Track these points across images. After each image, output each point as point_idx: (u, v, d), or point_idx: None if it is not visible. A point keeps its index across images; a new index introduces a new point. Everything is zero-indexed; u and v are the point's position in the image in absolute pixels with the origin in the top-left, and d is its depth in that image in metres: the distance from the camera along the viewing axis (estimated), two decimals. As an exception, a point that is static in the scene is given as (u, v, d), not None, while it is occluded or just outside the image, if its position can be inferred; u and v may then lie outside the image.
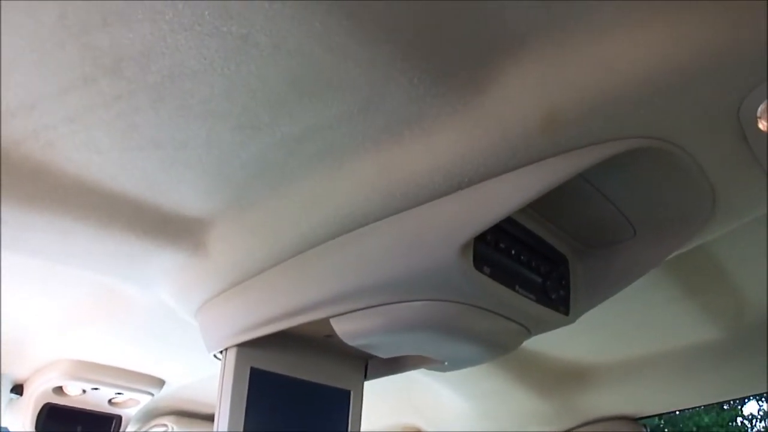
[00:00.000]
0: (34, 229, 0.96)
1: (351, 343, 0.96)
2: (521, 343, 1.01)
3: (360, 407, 1.24)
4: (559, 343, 1.58)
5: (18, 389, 1.72)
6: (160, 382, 1.77)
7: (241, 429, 1.04)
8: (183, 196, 0.93)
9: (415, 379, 1.68)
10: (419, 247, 0.82)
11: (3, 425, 1.76)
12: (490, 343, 0.98)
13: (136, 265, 1.08)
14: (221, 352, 1.10)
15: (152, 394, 1.78)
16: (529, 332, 0.99)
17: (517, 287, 0.89)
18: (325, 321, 0.95)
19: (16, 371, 1.70)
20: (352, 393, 1.23)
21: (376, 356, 1.11)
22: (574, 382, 1.75)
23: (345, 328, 0.94)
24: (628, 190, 0.86)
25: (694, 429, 12.31)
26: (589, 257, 1.01)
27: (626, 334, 1.54)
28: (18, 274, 1.24)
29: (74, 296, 1.35)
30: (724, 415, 12.56)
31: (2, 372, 1.67)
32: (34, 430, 1.68)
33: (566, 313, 0.98)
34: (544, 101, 0.70)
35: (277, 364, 1.11)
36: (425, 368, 1.16)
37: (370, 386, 1.26)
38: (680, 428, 12.64)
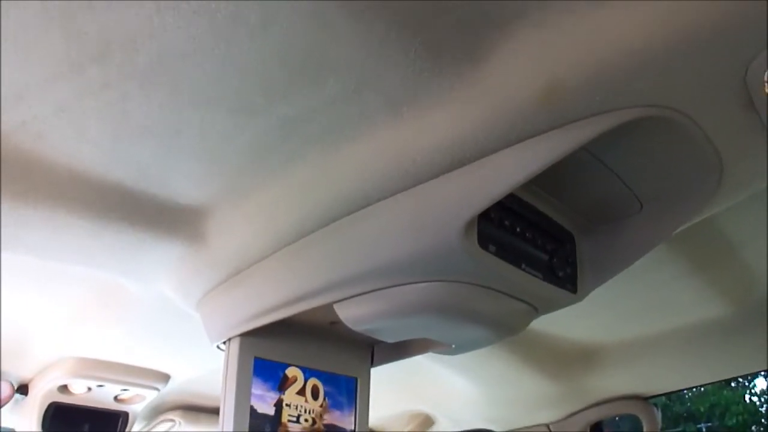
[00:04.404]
0: (29, 226, 0.94)
1: (356, 328, 0.95)
2: (529, 323, 1.00)
3: (367, 394, 1.23)
4: (567, 323, 1.57)
5: (23, 389, 1.71)
6: (166, 377, 1.77)
7: (247, 420, 1.03)
8: (179, 184, 0.91)
9: (423, 364, 1.68)
10: (421, 227, 0.81)
11: (6, 426, 1.76)
12: (497, 324, 0.96)
13: (133, 259, 1.07)
14: (224, 343, 1.09)
15: (158, 389, 1.77)
16: (536, 311, 0.97)
17: (523, 265, 0.88)
18: (329, 307, 0.94)
19: (20, 371, 1.69)
20: (359, 380, 1.22)
21: (382, 342, 1.10)
22: (583, 362, 1.74)
23: (349, 314, 0.93)
24: (633, 163, 0.84)
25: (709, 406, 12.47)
26: (595, 233, 1.00)
27: (634, 313, 1.53)
28: (19, 274, 1.23)
29: (76, 294, 1.34)
30: (740, 393, 12.75)
31: (7, 372, 1.67)
32: (40, 429, 1.67)
33: (574, 291, 0.97)
34: (543, 73, 0.68)
35: (281, 353, 1.10)
36: (432, 352, 1.15)
37: (376, 373, 1.25)
38: (689, 408, 12.73)
